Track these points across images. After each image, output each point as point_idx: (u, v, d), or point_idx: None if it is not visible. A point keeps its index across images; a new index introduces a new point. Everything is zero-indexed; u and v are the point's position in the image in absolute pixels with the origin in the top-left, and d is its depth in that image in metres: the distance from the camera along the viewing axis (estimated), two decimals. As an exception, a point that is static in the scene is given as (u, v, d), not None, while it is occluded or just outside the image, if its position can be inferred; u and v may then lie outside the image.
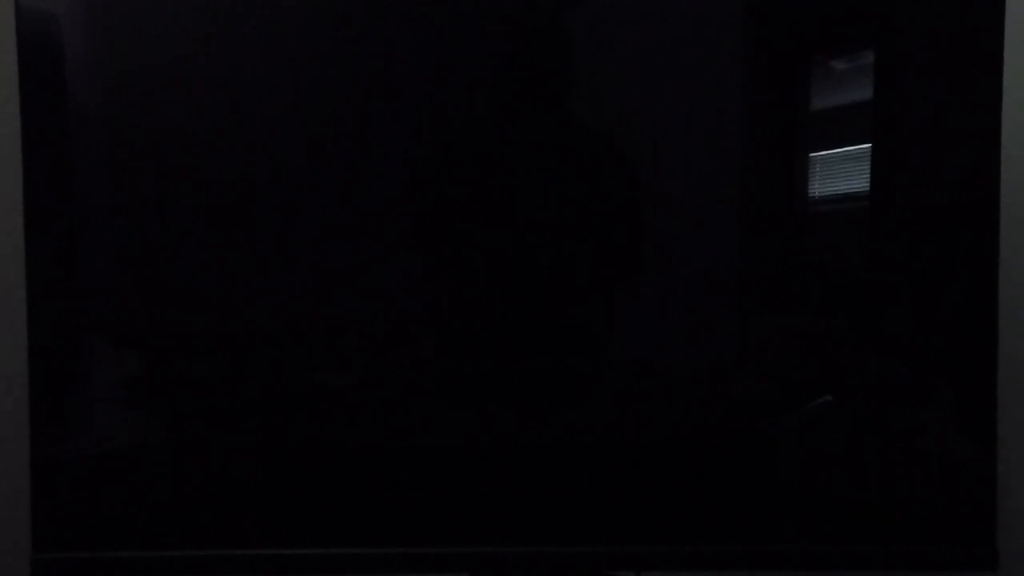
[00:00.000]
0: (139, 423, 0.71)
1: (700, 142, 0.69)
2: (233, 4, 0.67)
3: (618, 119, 0.70)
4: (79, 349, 0.70)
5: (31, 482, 0.68)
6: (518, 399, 0.70)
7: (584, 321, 0.71)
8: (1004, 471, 0.69)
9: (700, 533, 0.71)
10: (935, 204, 0.70)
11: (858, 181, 0.70)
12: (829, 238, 0.71)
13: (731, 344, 0.72)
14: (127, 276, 0.69)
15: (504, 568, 0.69)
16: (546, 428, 0.70)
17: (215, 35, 0.67)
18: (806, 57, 0.70)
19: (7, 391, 0.83)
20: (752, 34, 0.69)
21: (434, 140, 0.70)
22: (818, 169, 0.70)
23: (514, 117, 0.70)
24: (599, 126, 0.70)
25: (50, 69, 0.66)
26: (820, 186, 0.70)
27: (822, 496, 0.71)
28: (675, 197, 0.70)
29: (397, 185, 0.70)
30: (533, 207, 0.69)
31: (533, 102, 0.70)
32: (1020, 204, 0.78)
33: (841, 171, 0.70)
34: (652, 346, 0.71)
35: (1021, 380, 0.80)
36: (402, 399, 0.71)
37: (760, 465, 0.71)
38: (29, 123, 0.66)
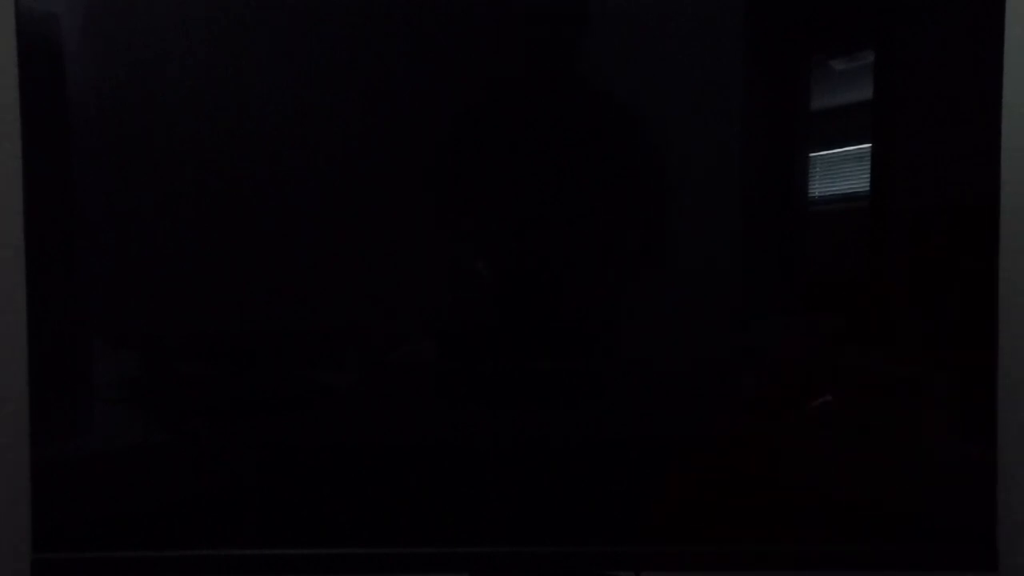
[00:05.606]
0: (139, 423, 0.71)
1: (700, 142, 0.69)
2: (234, 3, 0.67)
3: (618, 119, 0.69)
4: (79, 349, 0.70)
5: (31, 482, 0.68)
6: (518, 399, 0.70)
7: (584, 321, 0.71)
8: (1004, 471, 0.69)
9: (700, 533, 0.71)
10: (935, 204, 0.70)
11: (858, 181, 0.70)
12: (829, 238, 0.71)
13: (731, 344, 0.71)
14: (127, 276, 0.69)
15: (504, 568, 0.69)
16: (546, 428, 0.70)
17: (215, 34, 0.67)
18: (806, 57, 0.70)
19: (7, 391, 0.83)
20: (752, 34, 0.69)
21: (433, 139, 0.70)
22: (818, 169, 0.70)
23: (513, 118, 0.70)
24: (599, 126, 0.70)
25: (50, 69, 0.66)
26: (820, 186, 0.70)
27: (822, 496, 0.71)
28: (676, 197, 0.70)
29: (397, 183, 0.69)
30: (533, 207, 0.69)
31: (533, 105, 0.70)
32: (1020, 204, 0.78)
33: (841, 171, 0.70)
34: (652, 346, 0.71)
35: (1021, 380, 0.80)
36: (402, 399, 0.71)
37: (760, 465, 0.71)
38: (29, 123, 0.66)
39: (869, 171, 0.69)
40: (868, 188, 0.70)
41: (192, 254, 0.69)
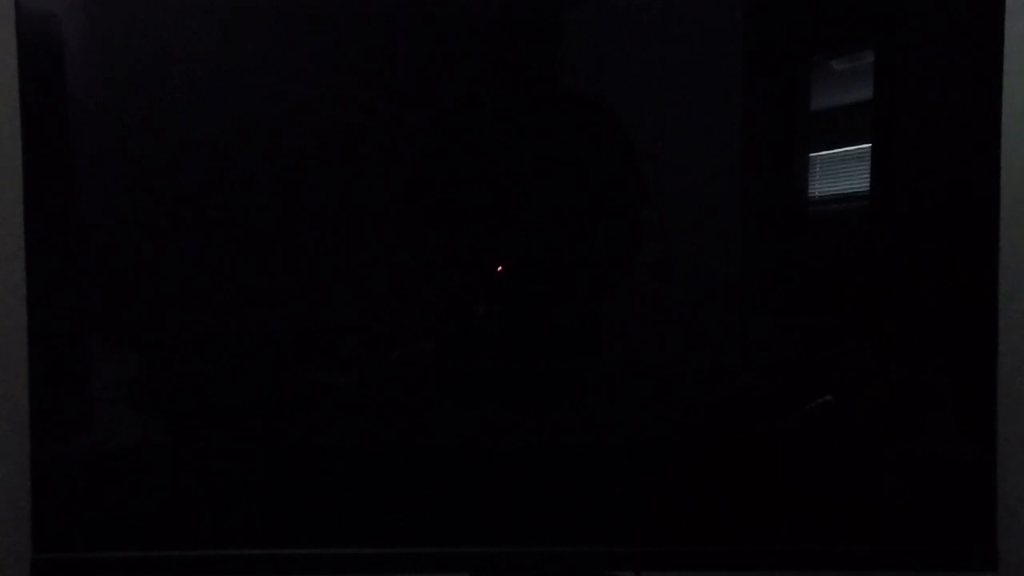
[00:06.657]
0: (139, 423, 0.71)
1: (700, 142, 0.69)
2: (233, 4, 0.67)
3: (618, 119, 0.69)
4: (79, 349, 0.70)
5: (31, 482, 0.68)
6: (518, 399, 0.70)
7: (584, 321, 0.71)
8: (1004, 471, 0.69)
9: (700, 533, 0.71)
10: (935, 204, 0.70)
11: (858, 181, 0.70)
12: (829, 238, 0.71)
13: (730, 344, 0.72)
14: (127, 277, 0.69)
15: (504, 568, 0.69)
16: (546, 428, 0.70)
17: (215, 34, 0.67)
18: (806, 57, 0.70)
19: (7, 391, 0.83)
20: (752, 34, 0.69)
21: (435, 141, 0.70)
22: (818, 169, 0.70)
23: (513, 119, 0.70)
24: (599, 125, 0.70)
25: (50, 69, 0.66)
26: (820, 186, 0.70)
27: (822, 496, 0.71)
28: (675, 197, 0.70)
29: (398, 184, 0.69)
30: (534, 208, 0.69)
31: (533, 106, 0.70)
32: (1020, 204, 0.78)
33: (841, 171, 0.70)
34: (652, 346, 0.71)
35: (1021, 380, 0.80)
36: (402, 399, 0.71)
37: (760, 465, 0.71)
38: (29, 123, 0.66)
39: (869, 171, 0.69)
40: (868, 188, 0.70)
41: (192, 255, 0.69)
